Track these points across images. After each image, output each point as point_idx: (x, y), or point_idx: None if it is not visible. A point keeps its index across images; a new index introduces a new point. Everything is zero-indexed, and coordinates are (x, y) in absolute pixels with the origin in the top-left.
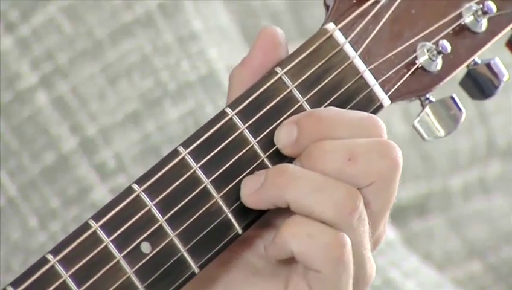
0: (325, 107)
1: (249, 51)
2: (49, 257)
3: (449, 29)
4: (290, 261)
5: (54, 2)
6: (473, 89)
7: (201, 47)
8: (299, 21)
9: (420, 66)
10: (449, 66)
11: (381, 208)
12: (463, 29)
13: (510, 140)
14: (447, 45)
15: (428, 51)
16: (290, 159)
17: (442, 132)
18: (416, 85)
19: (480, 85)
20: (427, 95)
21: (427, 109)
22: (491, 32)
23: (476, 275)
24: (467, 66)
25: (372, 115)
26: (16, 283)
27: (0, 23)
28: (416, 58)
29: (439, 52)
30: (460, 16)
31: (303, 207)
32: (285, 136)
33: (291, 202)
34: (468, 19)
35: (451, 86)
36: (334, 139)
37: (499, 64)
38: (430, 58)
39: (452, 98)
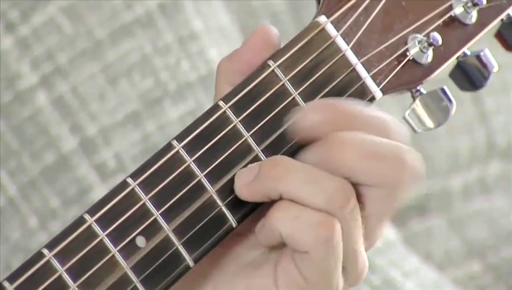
0: (317, 100)
1: (240, 46)
2: (45, 251)
3: (440, 21)
4: (280, 247)
5: (54, 2)
6: (463, 80)
7: (201, 47)
8: (299, 21)
9: (411, 58)
10: (440, 58)
11: (383, 211)
12: (453, 21)
13: (510, 140)
14: (438, 37)
15: (419, 43)
16: (284, 152)
17: (432, 124)
18: (407, 77)
19: (470, 76)
20: (418, 87)
21: (418, 101)
22: (481, 24)
23: (476, 275)
24: (457, 57)
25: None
26: (12, 277)
27: (0, 23)
28: (407, 50)
29: (430, 44)
30: (450, 7)
31: (295, 198)
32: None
33: (284, 193)
34: (458, 11)
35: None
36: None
37: (488, 55)
38: (421, 50)
39: (442, 89)
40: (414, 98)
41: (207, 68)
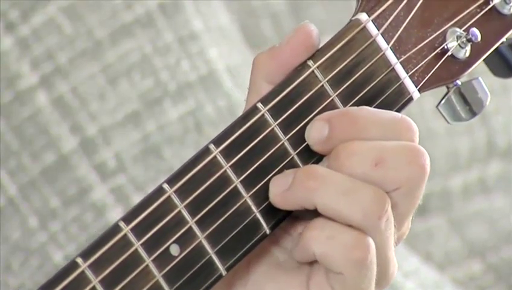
0: (355, 101)
1: (281, 44)
2: (79, 261)
3: (480, 14)
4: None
5: (54, 2)
6: (499, 66)
7: (201, 47)
8: (299, 21)
9: (450, 54)
10: (477, 51)
11: (407, 210)
12: (491, 11)
13: (510, 140)
14: (477, 33)
15: (458, 38)
16: (320, 157)
17: (466, 116)
18: (445, 74)
19: (506, 63)
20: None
21: (452, 93)
22: None
23: (476, 275)
24: None
25: (406, 117)
26: (46, 288)
27: (0, 23)
28: (446, 46)
29: (469, 40)
30: None
31: (331, 211)
32: (316, 133)
33: (320, 205)
34: (497, 1)
35: None
36: (365, 140)
37: None
38: (459, 45)
39: (477, 81)
40: (448, 89)
41: (207, 68)
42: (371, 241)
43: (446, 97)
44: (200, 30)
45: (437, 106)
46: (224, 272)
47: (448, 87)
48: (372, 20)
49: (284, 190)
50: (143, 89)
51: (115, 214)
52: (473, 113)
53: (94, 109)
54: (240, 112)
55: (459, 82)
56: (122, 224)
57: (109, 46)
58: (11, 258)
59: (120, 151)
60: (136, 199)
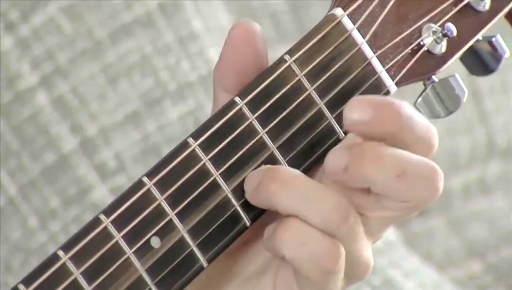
0: (333, 95)
1: (221, 51)
2: (60, 253)
3: (455, 10)
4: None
5: (54, 2)
6: (475, 65)
7: (201, 47)
8: (299, 21)
9: (426, 49)
10: (453, 47)
11: (399, 219)
12: (467, 8)
13: (510, 140)
14: (452, 28)
15: (434, 33)
16: (299, 150)
17: (443, 112)
18: (421, 69)
19: (482, 61)
20: (431, 77)
21: (429, 89)
22: (494, 11)
23: (476, 275)
24: None
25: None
26: (28, 280)
27: (0, 23)
28: (422, 41)
29: (444, 36)
30: None
31: (293, 214)
32: (358, 115)
33: (280, 209)
34: None
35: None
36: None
37: (500, 41)
38: (435, 41)
39: (454, 78)
40: (425, 86)
41: (207, 68)
42: (341, 250)
43: (423, 94)
44: (200, 30)
45: (414, 103)
46: (205, 264)
47: (425, 84)
48: (347, 15)
49: (253, 189)
50: (143, 89)
51: None
52: (449, 111)
53: (94, 109)
54: None
55: (436, 79)
56: (102, 217)
57: (109, 46)
58: (11, 258)
59: (120, 151)
60: None
